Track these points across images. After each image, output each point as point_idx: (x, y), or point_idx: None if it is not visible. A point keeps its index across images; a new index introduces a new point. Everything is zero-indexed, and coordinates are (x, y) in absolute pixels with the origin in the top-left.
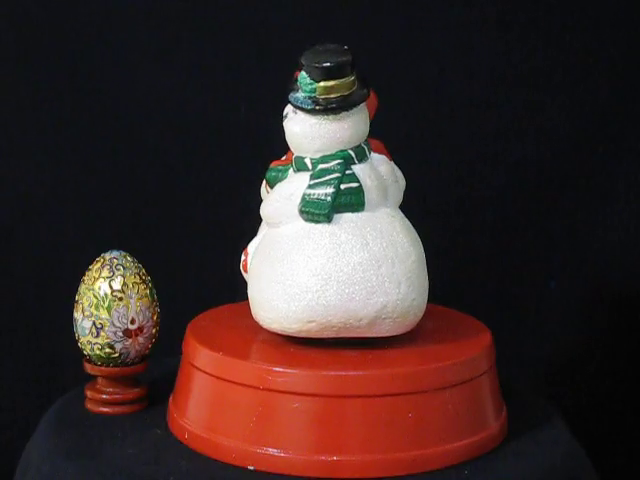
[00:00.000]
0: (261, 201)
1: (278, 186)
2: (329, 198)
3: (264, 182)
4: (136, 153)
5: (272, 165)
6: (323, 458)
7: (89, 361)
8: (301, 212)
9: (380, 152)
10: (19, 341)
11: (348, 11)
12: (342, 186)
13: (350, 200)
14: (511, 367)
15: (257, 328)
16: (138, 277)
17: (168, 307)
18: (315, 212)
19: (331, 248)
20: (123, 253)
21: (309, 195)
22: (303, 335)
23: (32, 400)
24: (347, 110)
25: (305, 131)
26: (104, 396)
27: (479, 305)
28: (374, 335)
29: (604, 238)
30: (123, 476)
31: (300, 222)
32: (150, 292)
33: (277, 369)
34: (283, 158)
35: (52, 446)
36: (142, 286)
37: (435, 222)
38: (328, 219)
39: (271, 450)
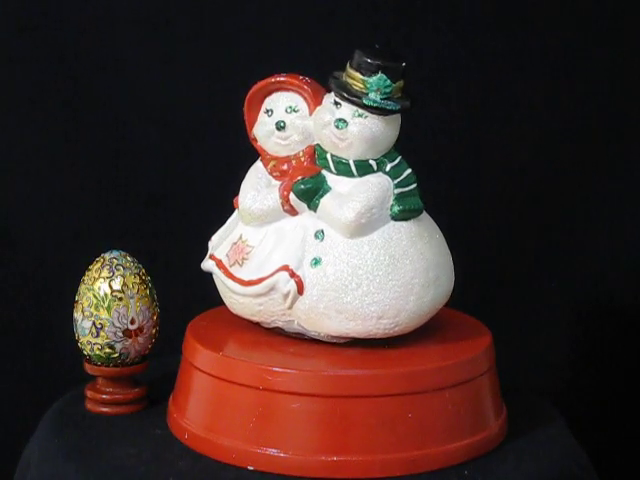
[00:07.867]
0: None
1: (360, 196)
2: (417, 193)
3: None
4: (136, 153)
5: (299, 178)
6: (323, 458)
7: (89, 361)
8: (401, 212)
9: None
10: (19, 341)
11: (347, 12)
12: None
13: (420, 192)
14: (511, 367)
15: (257, 328)
16: (138, 277)
17: (168, 307)
18: (415, 209)
19: (431, 238)
20: (123, 253)
21: (401, 195)
22: (414, 328)
23: (32, 400)
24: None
25: (381, 132)
26: (104, 396)
27: (479, 305)
28: None
29: (605, 238)
30: (123, 476)
31: (389, 224)
32: (150, 292)
33: (277, 369)
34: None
35: (52, 446)
36: (142, 286)
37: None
38: (422, 213)
39: (271, 450)
